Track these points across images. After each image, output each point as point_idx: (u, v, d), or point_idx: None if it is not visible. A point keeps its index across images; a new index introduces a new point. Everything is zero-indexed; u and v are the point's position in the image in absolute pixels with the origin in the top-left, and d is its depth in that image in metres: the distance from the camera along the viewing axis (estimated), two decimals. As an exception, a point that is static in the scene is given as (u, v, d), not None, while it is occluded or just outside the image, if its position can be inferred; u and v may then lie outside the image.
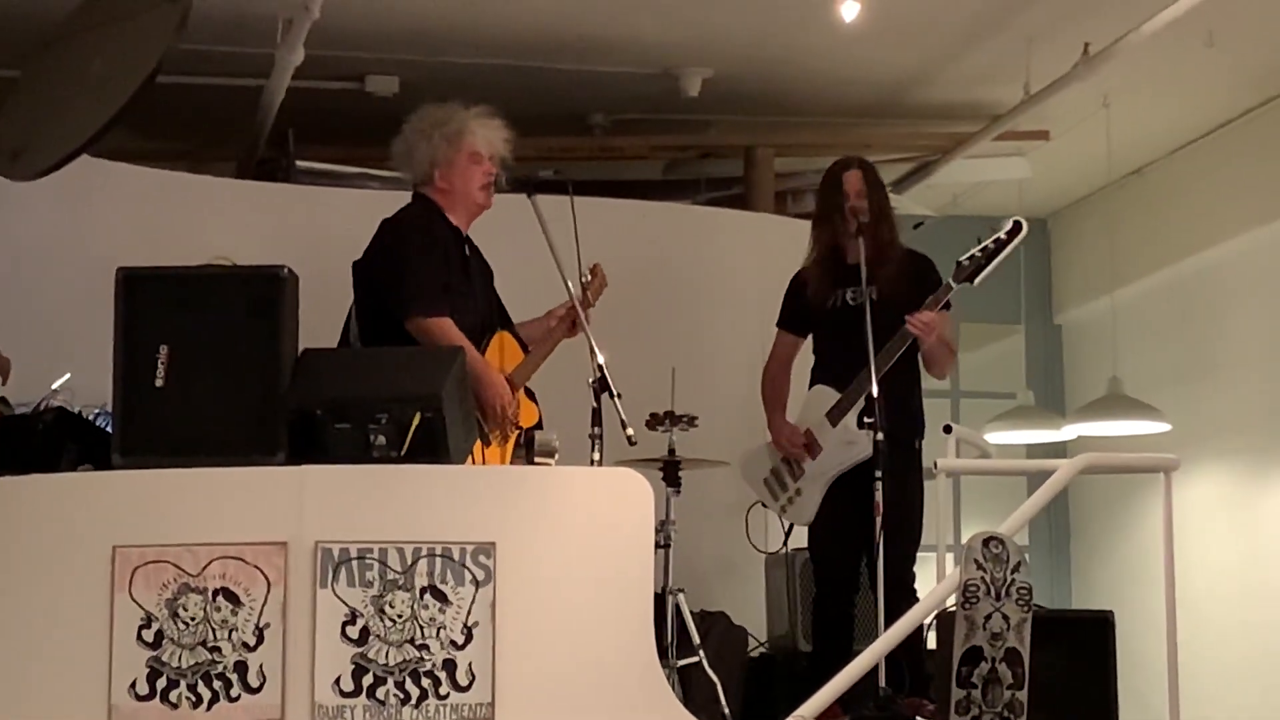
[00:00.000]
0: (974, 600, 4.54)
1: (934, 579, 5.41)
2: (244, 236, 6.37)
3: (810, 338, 6.04)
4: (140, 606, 4.36)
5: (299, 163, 7.40)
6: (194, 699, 4.34)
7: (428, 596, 4.43)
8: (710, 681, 5.60)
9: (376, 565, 4.43)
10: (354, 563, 4.42)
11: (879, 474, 5.31)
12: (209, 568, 4.39)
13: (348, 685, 4.37)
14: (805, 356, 6.07)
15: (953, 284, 5.62)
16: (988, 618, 4.56)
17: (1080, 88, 6.99)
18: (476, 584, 4.44)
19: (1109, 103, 7.61)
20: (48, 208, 6.38)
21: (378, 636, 4.40)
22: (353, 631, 4.40)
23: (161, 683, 4.34)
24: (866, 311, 5.48)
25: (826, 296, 5.88)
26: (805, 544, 5.99)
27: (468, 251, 5.43)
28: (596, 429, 5.05)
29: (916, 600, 5.31)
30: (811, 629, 6.03)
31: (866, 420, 5.35)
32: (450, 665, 4.41)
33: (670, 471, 5.78)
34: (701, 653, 5.64)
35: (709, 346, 7.09)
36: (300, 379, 4.61)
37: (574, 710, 4.45)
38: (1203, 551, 7.81)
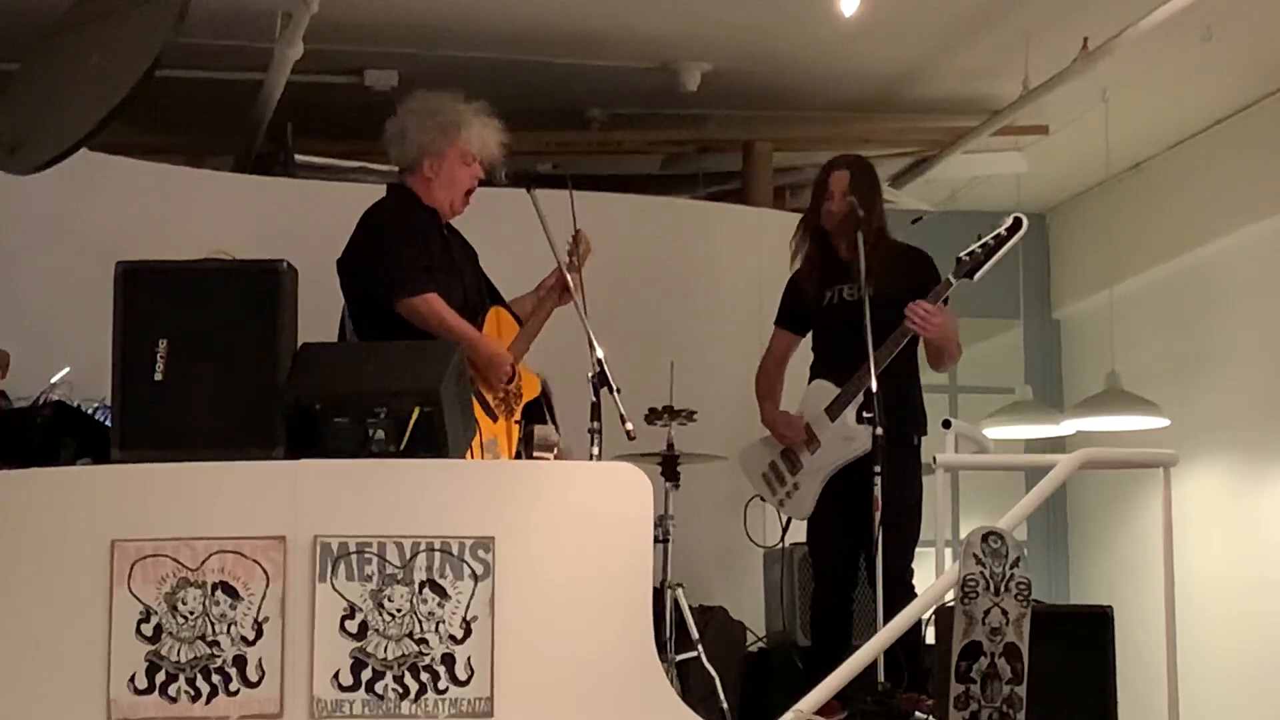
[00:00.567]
0: (973, 595, 4.54)
1: (933, 574, 5.41)
2: (243, 230, 6.37)
3: (809, 335, 6.05)
4: (139, 600, 4.36)
5: (298, 156, 7.39)
6: (193, 693, 4.34)
7: (426, 591, 4.43)
8: (709, 676, 5.60)
9: (375, 559, 4.43)
10: (353, 557, 4.42)
11: (878, 469, 5.32)
12: (208, 562, 4.38)
13: (346, 679, 4.37)
14: (804, 354, 6.07)
15: (953, 280, 5.62)
16: (986, 612, 4.55)
17: (1079, 83, 6.99)
18: (475, 578, 4.44)
19: (1107, 97, 7.59)
20: (46, 201, 6.37)
21: (376, 631, 4.40)
22: (351, 626, 4.40)
23: (160, 677, 4.33)
24: (865, 307, 5.48)
25: (822, 294, 5.89)
26: (804, 538, 5.99)
27: (446, 233, 5.43)
28: (595, 423, 5.06)
29: (914, 596, 5.31)
30: (810, 623, 6.03)
31: (865, 415, 5.36)
32: (449, 659, 4.41)
33: (669, 466, 5.79)
34: (700, 647, 5.65)
35: (707, 341, 7.09)
36: (299, 373, 4.61)
37: (573, 704, 4.45)
38: (1201, 546, 7.80)
